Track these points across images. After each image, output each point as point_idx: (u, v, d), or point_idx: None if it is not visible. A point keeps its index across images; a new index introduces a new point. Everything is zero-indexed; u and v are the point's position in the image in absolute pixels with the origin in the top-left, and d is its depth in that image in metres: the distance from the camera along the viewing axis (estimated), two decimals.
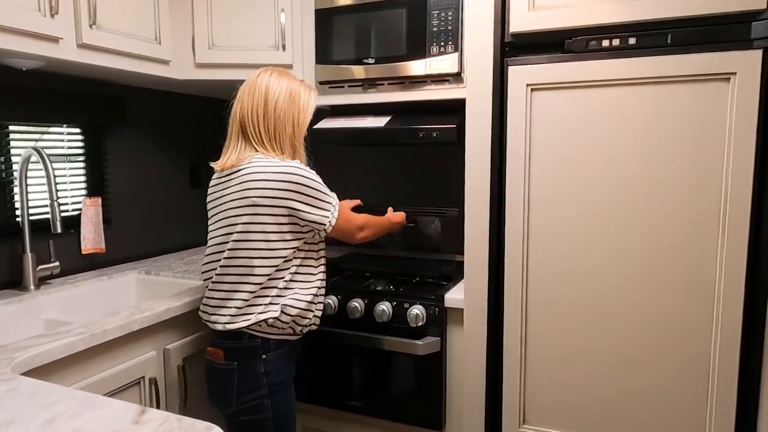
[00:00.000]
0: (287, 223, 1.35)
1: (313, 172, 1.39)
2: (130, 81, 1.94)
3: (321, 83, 1.86)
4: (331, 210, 1.41)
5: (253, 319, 1.35)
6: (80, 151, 1.90)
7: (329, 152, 2.36)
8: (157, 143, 2.18)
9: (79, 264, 1.88)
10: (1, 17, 1.30)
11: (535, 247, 1.45)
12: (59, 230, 1.53)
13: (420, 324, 1.59)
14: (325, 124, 1.87)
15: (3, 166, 1.67)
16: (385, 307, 1.63)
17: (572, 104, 1.37)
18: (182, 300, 1.54)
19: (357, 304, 1.67)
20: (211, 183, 1.46)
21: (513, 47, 1.43)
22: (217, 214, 1.41)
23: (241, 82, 1.97)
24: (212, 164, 1.45)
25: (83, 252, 1.87)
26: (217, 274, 1.40)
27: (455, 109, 1.74)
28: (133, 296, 1.92)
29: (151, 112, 2.14)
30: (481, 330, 1.54)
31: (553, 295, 1.45)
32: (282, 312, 1.37)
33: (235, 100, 1.44)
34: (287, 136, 1.43)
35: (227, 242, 1.37)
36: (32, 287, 1.65)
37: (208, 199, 1.46)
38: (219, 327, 1.38)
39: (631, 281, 1.36)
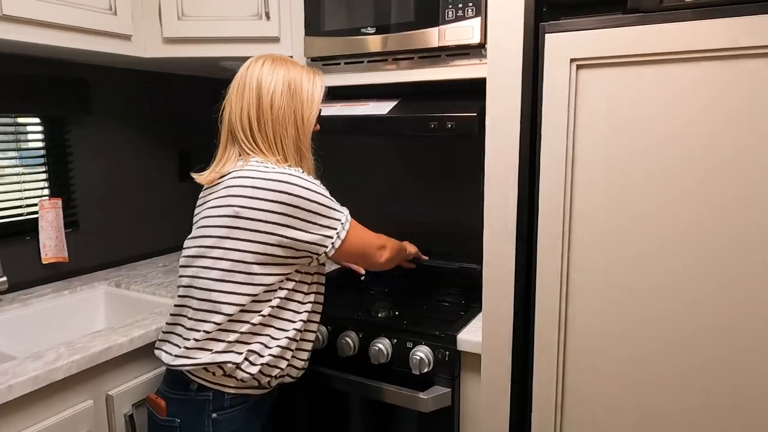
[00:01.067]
0: (275, 245, 1.06)
1: (317, 183, 1.12)
2: (91, 59, 1.64)
3: (313, 60, 1.51)
4: (338, 228, 1.12)
5: (205, 359, 1.05)
6: (38, 144, 1.63)
7: (322, 142, 2.02)
8: (134, 132, 1.88)
9: (40, 275, 1.63)
10: None
11: (578, 276, 1.07)
12: None
13: (426, 370, 1.25)
14: None
15: None
16: (382, 346, 1.29)
17: (637, 87, 0.96)
18: (133, 333, 1.25)
19: (350, 339, 1.33)
20: (199, 199, 1.20)
21: (552, 6, 1.03)
22: (195, 224, 1.16)
23: (221, 60, 1.66)
24: (194, 176, 1.18)
25: (44, 261, 1.62)
26: (179, 296, 1.12)
27: (478, 91, 1.35)
28: (97, 316, 1.65)
29: (123, 95, 1.84)
30: (503, 381, 1.18)
31: (600, 337, 1.07)
32: (246, 359, 1.06)
33: (225, 101, 1.18)
34: (290, 140, 1.15)
35: (197, 257, 1.10)
36: None
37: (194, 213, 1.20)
38: (164, 359, 1.11)
39: (713, 322, 0.97)
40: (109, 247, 1.83)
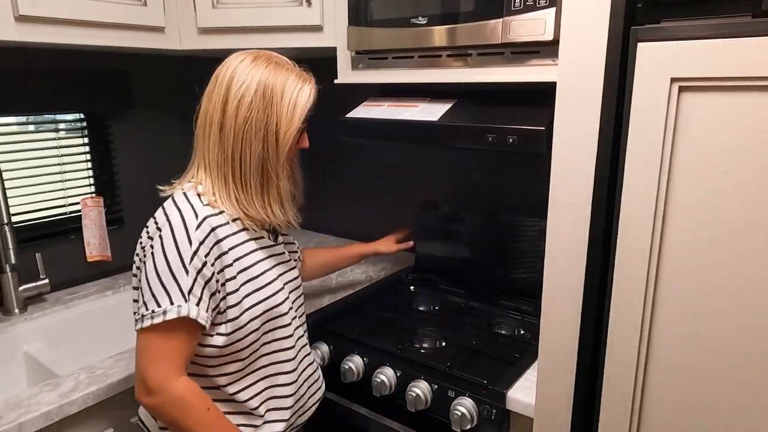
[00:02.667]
0: None
1: (212, 219, 0.91)
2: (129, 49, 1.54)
3: (358, 53, 1.31)
4: (155, 310, 0.86)
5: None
6: (80, 141, 1.58)
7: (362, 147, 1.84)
8: (177, 122, 1.79)
9: (84, 274, 1.61)
10: None
11: (662, 343, 0.85)
12: (13, 260, 1.23)
13: (468, 427, 1.08)
14: (361, 112, 1.34)
15: None
16: (421, 392, 1.14)
17: (764, 117, 0.70)
18: None
19: (385, 378, 1.19)
20: None
21: (649, 4, 0.77)
22: None
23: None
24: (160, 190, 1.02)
25: (89, 259, 1.60)
26: None
27: (550, 94, 1.11)
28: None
29: (164, 84, 1.74)
30: None
31: (689, 410, 0.85)
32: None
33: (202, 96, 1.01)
34: (255, 159, 0.94)
35: None
36: (16, 311, 1.41)
37: None
38: None
39: None
40: None
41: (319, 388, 1.18)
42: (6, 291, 1.39)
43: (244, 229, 0.98)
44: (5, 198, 1.23)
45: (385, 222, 1.93)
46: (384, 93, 1.41)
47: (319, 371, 1.19)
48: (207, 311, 0.89)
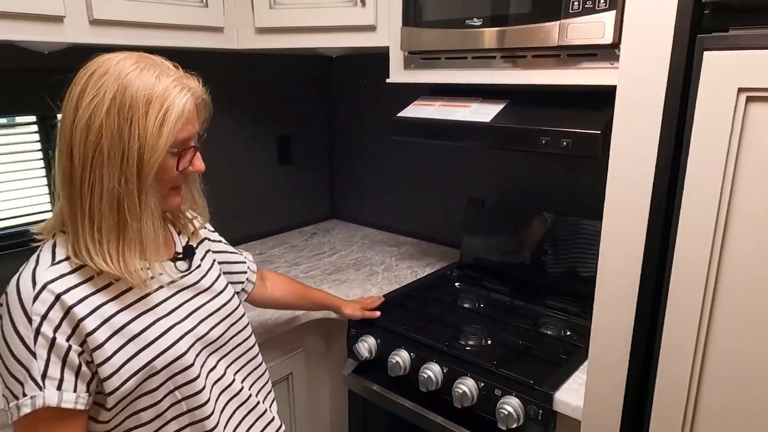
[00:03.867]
0: None
1: (56, 284, 0.73)
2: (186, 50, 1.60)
3: (411, 53, 1.33)
4: (13, 403, 0.73)
5: None
6: None
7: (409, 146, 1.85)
8: (231, 117, 1.85)
9: None
10: None
11: (718, 355, 0.85)
12: None
13: (514, 426, 1.10)
14: (412, 111, 1.36)
15: (52, 162, 1.49)
16: (467, 389, 1.16)
17: None
18: None
19: (432, 373, 1.22)
20: None
21: (718, 8, 0.76)
22: None
23: (314, 50, 1.53)
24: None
25: None
26: None
27: (606, 98, 1.10)
28: None
29: (218, 79, 1.76)
30: None
31: (743, 424, 0.84)
32: None
33: None
34: (106, 196, 0.73)
35: None
36: None
37: None
38: None
39: None
40: None
41: None
42: None
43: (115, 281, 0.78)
44: None
45: (431, 218, 1.95)
46: (435, 92, 1.42)
47: (274, 422, 1.00)
48: (75, 391, 0.74)
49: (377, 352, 1.34)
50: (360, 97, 2.07)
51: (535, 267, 1.58)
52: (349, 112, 2.12)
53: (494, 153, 1.71)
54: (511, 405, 1.10)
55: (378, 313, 1.38)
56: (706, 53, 0.75)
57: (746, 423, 0.84)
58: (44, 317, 0.72)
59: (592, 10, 1.01)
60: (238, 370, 0.95)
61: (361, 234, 2.09)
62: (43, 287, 0.73)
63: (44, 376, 0.72)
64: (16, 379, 0.72)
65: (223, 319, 0.92)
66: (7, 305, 0.73)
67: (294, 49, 1.71)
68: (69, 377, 0.74)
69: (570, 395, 1.06)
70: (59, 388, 0.73)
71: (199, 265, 0.93)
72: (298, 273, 1.69)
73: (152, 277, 0.81)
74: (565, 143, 1.08)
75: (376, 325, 1.37)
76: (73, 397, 0.74)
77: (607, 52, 1.03)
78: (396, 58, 1.37)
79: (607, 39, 1.01)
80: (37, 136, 1.45)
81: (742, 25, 0.74)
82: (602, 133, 1.04)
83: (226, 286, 0.96)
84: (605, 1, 0.99)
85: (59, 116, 0.77)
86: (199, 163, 0.84)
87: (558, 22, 1.06)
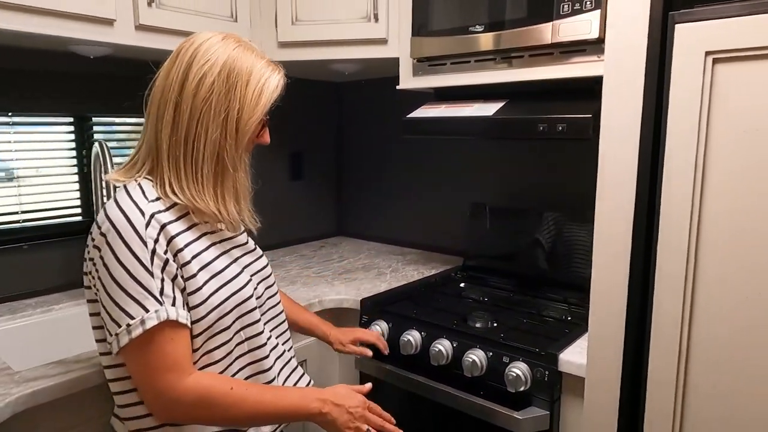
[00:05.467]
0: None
1: (160, 215, 0.83)
2: None
3: (419, 61, 1.48)
4: (135, 320, 0.78)
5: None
6: None
7: (428, 142, 1.99)
8: None
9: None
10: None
11: (705, 295, 0.94)
12: None
13: (522, 389, 1.17)
14: (421, 112, 1.50)
15: (85, 161, 1.60)
16: (477, 358, 1.23)
17: None
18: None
19: (443, 348, 1.29)
20: None
21: None
22: None
23: (331, 63, 1.69)
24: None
25: None
26: None
27: (594, 92, 1.24)
28: None
29: None
30: (610, 411, 1.07)
31: (728, 367, 0.92)
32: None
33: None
34: (211, 146, 0.85)
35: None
36: None
37: None
38: None
39: None
40: None
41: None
42: None
43: (197, 223, 0.89)
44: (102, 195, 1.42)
45: (435, 229, 2.06)
46: (439, 99, 1.57)
47: (304, 378, 1.08)
48: (184, 309, 0.82)
49: (389, 335, 1.41)
50: (365, 120, 2.23)
51: (536, 264, 1.67)
52: (356, 133, 2.28)
53: (493, 160, 1.84)
54: (518, 368, 1.17)
55: (370, 353, 1.29)
56: (677, 26, 0.89)
57: (731, 369, 0.92)
58: (156, 241, 0.80)
59: (580, 11, 1.17)
60: (274, 328, 1.04)
61: (367, 246, 2.18)
62: (152, 216, 0.82)
63: (162, 293, 0.80)
64: (134, 299, 0.78)
65: (264, 279, 1.03)
66: (117, 231, 0.79)
67: (308, 70, 1.88)
68: (179, 296, 0.82)
69: (573, 356, 1.14)
70: (173, 304, 0.81)
71: (243, 230, 1.04)
72: (310, 273, 1.77)
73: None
74: (560, 128, 1.21)
75: (388, 312, 1.45)
76: (185, 315, 0.82)
77: (595, 47, 1.18)
78: (405, 67, 1.52)
79: (594, 34, 1.16)
80: (72, 136, 1.57)
81: (706, 2, 0.89)
82: (593, 117, 1.17)
83: (263, 254, 1.08)
84: (591, 2, 1.15)
85: (158, 78, 0.88)
86: (267, 136, 0.97)
87: (551, 23, 1.21)
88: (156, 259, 0.80)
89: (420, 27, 1.44)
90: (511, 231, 1.74)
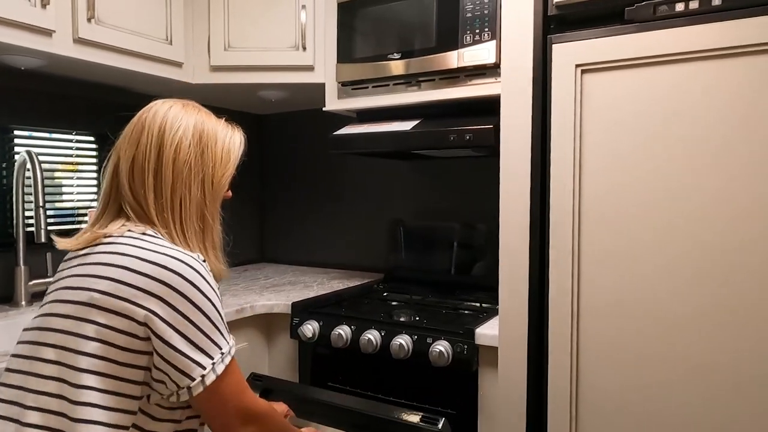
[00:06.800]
0: (134, 351, 0.80)
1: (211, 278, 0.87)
2: (145, 89, 1.83)
3: (343, 84, 1.66)
4: (217, 357, 0.83)
5: None
6: (92, 160, 1.79)
7: (350, 164, 2.15)
8: None
9: None
10: None
11: (589, 272, 1.14)
12: (43, 239, 1.39)
13: (444, 364, 1.30)
14: (346, 130, 1.66)
15: (5, 173, 1.58)
16: (403, 341, 1.35)
17: (636, 88, 1.07)
18: None
19: (372, 337, 1.40)
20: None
21: (559, 22, 1.16)
22: (43, 306, 0.87)
23: (260, 87, 1.83)
24: (57, 242, 0.90)
25: None
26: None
27: (494, 110, 1.47)
28: None
29: None
30: (519, 372, 1.22)
31: (611, 333, 1.12)
32: None
33: (113, 149, 0.95)
34: (194, 205, 0.92)
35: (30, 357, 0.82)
36: (23, 303, 1.52)
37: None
38: None
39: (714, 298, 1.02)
40: None
41: None
42: (18, 284, 1.51)
43: None
44: (43, 185, 1.41)
45: (357, 249, 2.19)
46: (362, 121, 1.74)
47: None
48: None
49: (320, 332, 1.49)
50: (287, 151, 2.36)
51: (450, 272, 1.85)
52: (279, 163, 2.39)
53: (408, 182, 2.03)
54: (441, 345, 1.30)
55: None
56: (554, 45, 1.13)
57: (613, 334, 1.12)
58: (214, 286, 0.87)
59: (480, 41, 1.41)
60: None
61: (292, 269, 2.26)
62: (203, 261, 0.87)
63: (228, 332, 0.87)
64: (212, 341, 0.83)
65: None
66: (190, 281, 0.82)
67: (235, 98, 2.00)
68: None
69: (488, 330, 1.30)
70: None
71: None
72: (238, 288, 1.82)
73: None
74: (468, 137, 1.42)
75: (317, 312, 1.54)
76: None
77: (492, 71, 1.42)
78: (331, 90, 1.69)
79: (491, 60, 1.40)
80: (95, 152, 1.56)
81: (575, 28, 1.14)
82: (494, 127, 1.39)
83: None
84: (488, 35, 1.40)
85: (121, 150, 0.92)
86: (229, 191, 1.01)
87: (457, 51, 1.44)
88: (220, 303, 0.87)
89: (344, 54, 1.63)
90: (426, 245, 1.92)
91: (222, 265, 0.98)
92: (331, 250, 2.26)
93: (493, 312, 1.48)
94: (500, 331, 1.25)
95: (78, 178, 1.75)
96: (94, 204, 1.80)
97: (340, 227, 2.23)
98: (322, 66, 1.70)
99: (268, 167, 2.43)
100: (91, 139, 1.79)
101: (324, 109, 1.71)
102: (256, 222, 2.43)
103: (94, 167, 1.80)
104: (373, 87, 1.61)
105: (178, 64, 1.67)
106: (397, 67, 1.54)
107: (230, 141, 0.98)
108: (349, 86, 1.65)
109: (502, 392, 1.24)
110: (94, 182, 1.80)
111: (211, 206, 0.94)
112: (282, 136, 2.38)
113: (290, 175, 2.36)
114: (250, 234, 2.40)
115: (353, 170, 2.18)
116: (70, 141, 1.73)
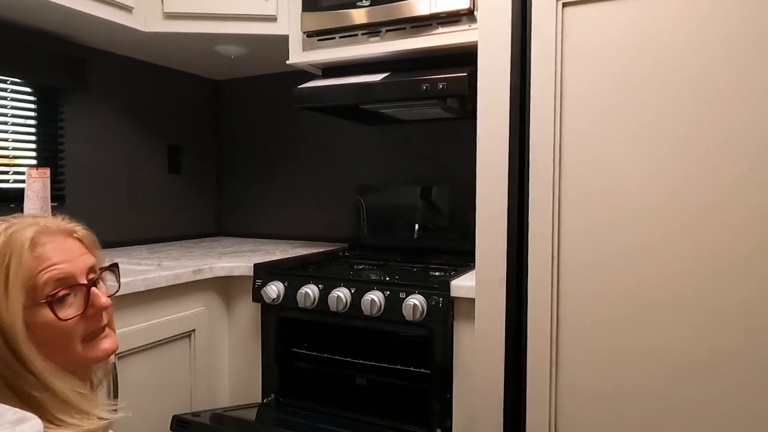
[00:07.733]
0: None
1: None
2: (92, 41, 1.69)
3: (308, 35, 1.57)
4: None
5: None
6: (30, 114, 1.63)
7: (312, 132, 2.06)
8: (127, 117, 1.90)
9: None
10: None
11: (568, 223, 1.10)
12: None
13: (419, 318, 1.24)
14: (312, 83, 1.57)
15: None
16: (375, 297, 1.28)
17: (627, 24, 1.03)
18: None
19: (341, 294, 1.32)
20: None
21: None
22: None
23: (222, 38, 1.71)
24: None
25: None
26: None
27: (469, 60, 1.42)
28: None
29: (120, 80, 1.87)
30: (498, 325, 1.18)
31: (593, 281, 1.08)
32: None
33: None
34: None
35: None
36: None
37: None
38: None
39: (695, 260, 1.00)
40: (91, 228, 1.79)
41: None
42: None
43: None
44: None
45: (321, 219, 2.10)
46: (328, 75, 1.66)
47: None
48: None
49: (285, 293, 1.40)
50: (245, 119, 2.24)
51: (418, 237, 1.79)
52: (236, 131, 2.27)
53: (376, 140, 1.96)
54: (415, 299, 1.24)
55: None
56: None
57: (593, 288, 1.08)
58: None
59: None
60: None
61: (252, 241, 2.15)
62: None
63: None
64: None
65: None
66: None
67: (191, 56, 1.88)
68: None
69: (464, 282, 1.24)
70: None
71: None
72: (195, 254, 1.70)
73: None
74: (441, 86, 1.36)
75: (282, 274, 1.44)
76: None
77: (468, 17, 1.37)
78: (295, 42, 1.60)
79: (465, 4, 1.35)
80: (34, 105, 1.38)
81: None
82: (468, 75, 1.34)
83: None
84: None
85: None
86: (100, 301, 0.71)
87: None
88: None
89: (309, 2, 1.54)
90: (391, 212, 1.85)
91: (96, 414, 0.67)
92: (293, 222, 2.16)
93: (466, 269, 1.43)
94: (477, 275, 1.20)
95: (13, 132, 1.59)
96: (33, 162, 1.64)
97: (302, 198, 2.14)
98: (285, 17, 1.61)
99: (223, 136, 2.30)
100: (29, 90, 1.63)
101: (288, 62, 1.62)
102: (212, 193, 2.30)
103: (33, 122, 1.64)
104: (340, 37, 1.53)
105: (128, 9, 1.54)
106: (365, 14, 1.47)
107: (6, 262, 0.63)
108: (315, 37, 1.56)
109: (479, 345, 1.19)
110: (33, 138, 1.64)
111: (16, 367, 0.62)
112: (240, 103, 2.26)
113: (248, 145, 2.25)
114: (204, 205, 2.27)
115: (314, 139, 2.09)
116: (4, 91, 1.57)
